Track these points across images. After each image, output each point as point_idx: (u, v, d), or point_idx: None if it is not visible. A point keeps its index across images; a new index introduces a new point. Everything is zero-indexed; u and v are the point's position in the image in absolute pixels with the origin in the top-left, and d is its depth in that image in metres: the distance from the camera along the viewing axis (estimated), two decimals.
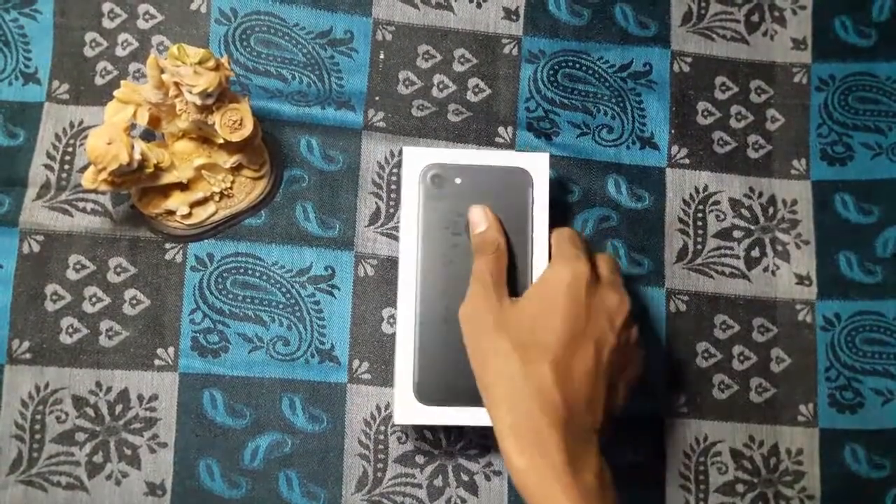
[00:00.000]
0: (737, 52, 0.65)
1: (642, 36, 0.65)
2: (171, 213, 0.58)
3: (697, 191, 0.63)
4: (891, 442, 0.60)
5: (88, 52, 0.61)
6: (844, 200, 0.63)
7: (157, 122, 0.56)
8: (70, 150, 0.59)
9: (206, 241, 0.59)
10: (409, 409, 0.52)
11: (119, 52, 0.61)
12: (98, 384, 0.57)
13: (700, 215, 0.63)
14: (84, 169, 0.59)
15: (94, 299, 0.58)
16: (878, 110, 0.65)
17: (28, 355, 0.57)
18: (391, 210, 0.61)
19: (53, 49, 0.61)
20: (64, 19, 0.61)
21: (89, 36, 0.61)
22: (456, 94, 0.63)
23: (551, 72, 0.64)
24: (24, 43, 0.61)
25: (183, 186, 0.57)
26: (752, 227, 0.63)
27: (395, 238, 0.60)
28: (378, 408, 0.58)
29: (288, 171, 0.60)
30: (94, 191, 0.57)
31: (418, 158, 0.55)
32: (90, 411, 0.57)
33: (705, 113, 0.64)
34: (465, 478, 0.58)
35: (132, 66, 0.61)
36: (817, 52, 0.65)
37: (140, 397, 0.57)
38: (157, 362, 0.57)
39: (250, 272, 0.59)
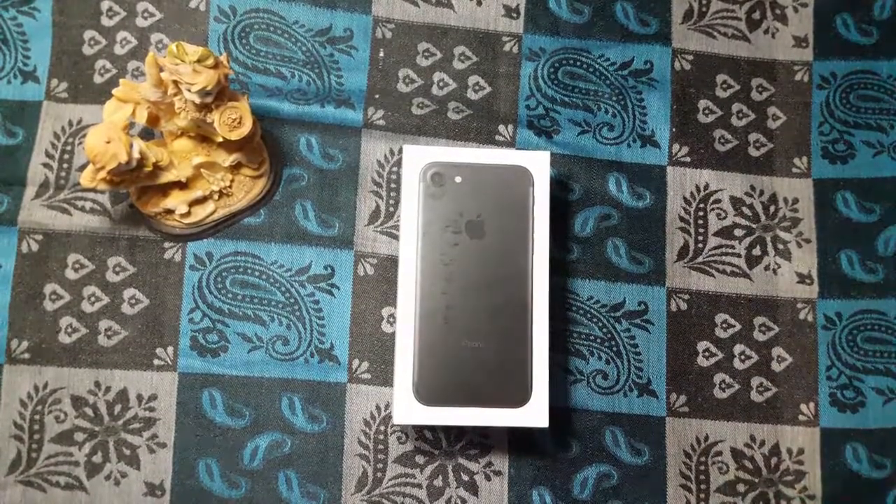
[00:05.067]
0: (738, 49, 0.65)
1: (643, 34, 0.65)
2: (169, 211, 0.58)
3: (698, 189, 0.63)
4: (892, 441, 0.60)
5: (87, 51, 0.61)
6: (846, 199, 0.63)
7: (156, 120, 0.56)
8: (69, 148, 0.59)
9: (205, 240, 0.59)
10: (409, 409, 0.52)
11: (118, 50, 0.61)
12: (97, 384, 0.57)
13: (701, 214, 0.62)
14: (83, 168, 0.59)
15: (92, 299, 0.58)
16: (879, 108, 0.64)
17: (27, 355, 0.57)
18: (391, 209, 0.60)
19: (52, 47, 0.60)
20: (63, 17, 0.61)
21: (88, 34, 0.61)
22: (456, 92, 0.63)
23: (552, 69, 0.63)
24: (22, 41, 0.60)
25: (182, 185, 0.57)
26: (754, 226, 0.63)
27: (395, 237, 0.60)
28: (378, 407, 0.58)
29: (287, 170, 0.60)
30: (93, 189, 0.57)
31: (418, 157, 0.55)
32: (89, 411, 0.56)
33: (706, 111, 0.64)
34: (466, 478, 0.58)
35: (131, 65, 0.61)
36: (819, 50, 0.65)
37: (139, 397, 0.57)
38: (156, 362, 0.57)
39: (249, 271, 0.59)
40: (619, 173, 0.62)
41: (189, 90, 0.51)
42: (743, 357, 0.61)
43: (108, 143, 0.51)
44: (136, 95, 0.54)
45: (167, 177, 0.56)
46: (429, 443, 0.58)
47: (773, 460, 0.60)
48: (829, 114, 0.64)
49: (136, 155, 0.53)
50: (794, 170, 0.64)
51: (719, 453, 0.59)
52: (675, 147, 0.63)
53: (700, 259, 0.62)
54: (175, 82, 0.52)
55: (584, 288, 0.61)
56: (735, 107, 0.64)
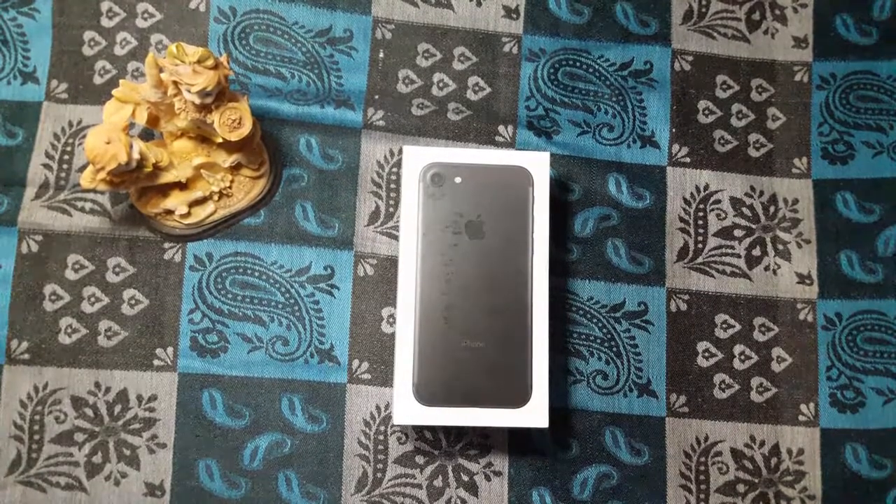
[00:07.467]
0: (738, 50, 0.65)
1: (643, 34, 0.65)
2: (169, 212, 0.58)
3: (698, 189, 0.63)
4: (892, 441, 0.60)
5: (87, 51, 0.61)
6: (845, 199, 0.63)
7: (156, 121, 0.56)
8: (69, 149, 0.59)
9: (204, 240, 0.59)
10: (409, 410, 0.52)
11: (118, 51, 0.61)
12: (97, 384, 0.57)
13: (701, 214, 0.63)
14: (83, 168, 0.59)
15: (92, 299, 0.58)
16: (879, 109, 0.64)
17: (27, 355, 0.57)
18: (391, 209, 0.60)
19: (52, 48, 0.60)
20: (63, 18, 0.61)
21: (88, 35, 0.61)
22: (456, 93, 0.63)
23: (552, 70, 0.63)
24: (22, 42, 0.60)
25: (182, 186, 0.57)
26: (753, 226, 0.63)
27: (395, 237, 0.60)
28: (378, 408, 0.58)
29: (287, 171, 0.60)
30: (93, 190, 0.57)
31: (418, 157, 0.55)
32: (89, 411, 0.56)
33: (706, 111, 0.64)
34: (465, 478, 0.58)
35: (131, 65, 0.61)
36: (818, 51, 0.65)
37: (139, 397, 0.57)
38: (156, 362, 0.57)
39: (249, 272, 0.59)
40: (619, 174, 0.62)
41: (189, 91, 0.51)
42: (743, 357, 0.61)
43: (108, 143, 0.51)
44: (136, 96, 0.54)
45: (167, 177, 0.56)
46: (429, 443, 0.58)
47: (773, 460, 0.60)
48: (828, 114, 0.64)
49: (135, 156, 0.53)
50: (794, 170, 0.64)
51: (719, 453, 0.59)
52: (675, 147, 0.63)
53: (700, 259, 0.62)
54: (175, 83, 0.52)
55: (584, 288, 0.61)
56: (735, 107, 0.64)
